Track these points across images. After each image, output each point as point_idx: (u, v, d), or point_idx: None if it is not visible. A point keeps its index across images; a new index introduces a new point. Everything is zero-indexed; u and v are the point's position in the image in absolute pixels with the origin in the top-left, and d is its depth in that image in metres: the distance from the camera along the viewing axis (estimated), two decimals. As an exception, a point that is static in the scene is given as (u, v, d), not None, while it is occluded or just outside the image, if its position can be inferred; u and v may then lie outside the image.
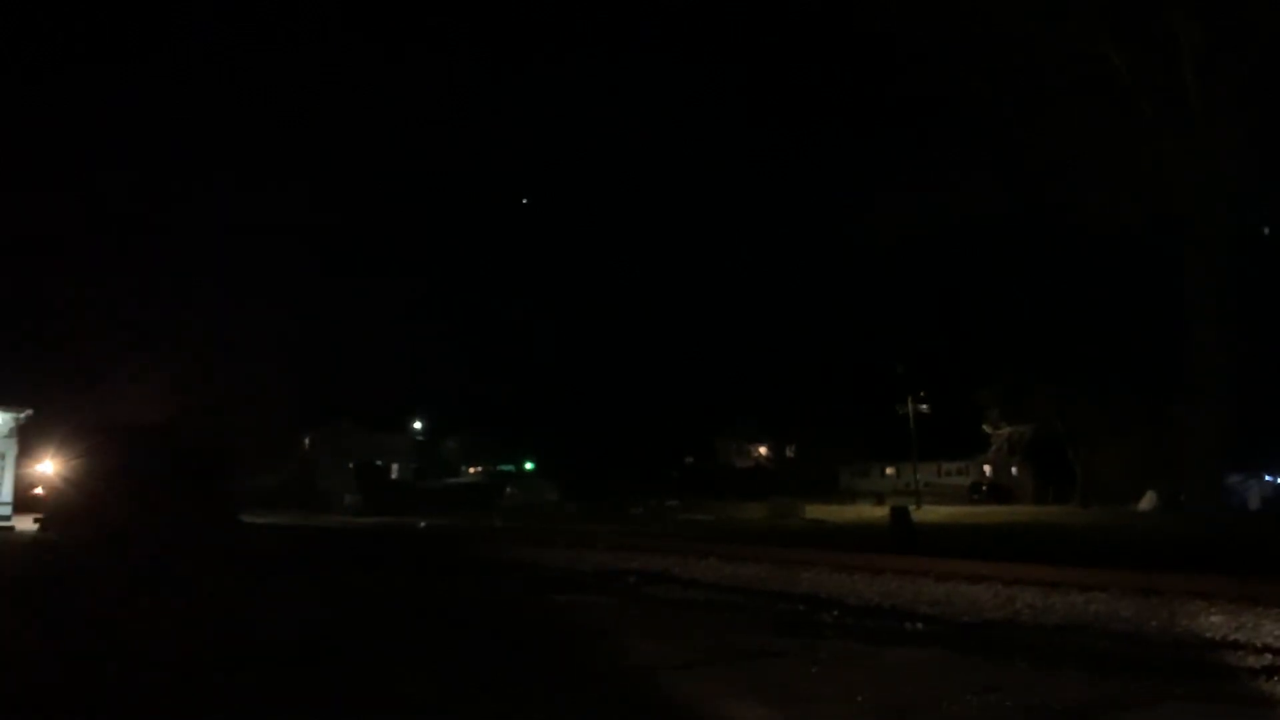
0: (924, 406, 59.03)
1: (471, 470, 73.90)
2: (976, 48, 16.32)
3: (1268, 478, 56.10)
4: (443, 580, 12.41)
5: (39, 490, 34.20)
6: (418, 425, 74.00)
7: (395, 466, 68.05)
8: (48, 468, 32.63)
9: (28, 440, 31.50)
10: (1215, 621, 7.78)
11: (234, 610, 9.64)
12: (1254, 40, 14.78)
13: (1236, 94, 15.15)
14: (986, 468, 63.83)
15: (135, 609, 9.52)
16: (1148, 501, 44.83)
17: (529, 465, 75.44)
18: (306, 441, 65.28)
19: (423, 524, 30.26)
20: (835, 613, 9.19)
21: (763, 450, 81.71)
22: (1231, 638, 7.22)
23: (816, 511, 41.63)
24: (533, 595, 10.67)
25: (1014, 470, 62.06)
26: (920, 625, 8.42)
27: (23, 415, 30.14)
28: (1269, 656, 6.57)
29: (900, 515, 30.66)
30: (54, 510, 27.43)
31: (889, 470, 69.99)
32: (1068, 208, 17.08)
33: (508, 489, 59.90)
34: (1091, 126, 16.41)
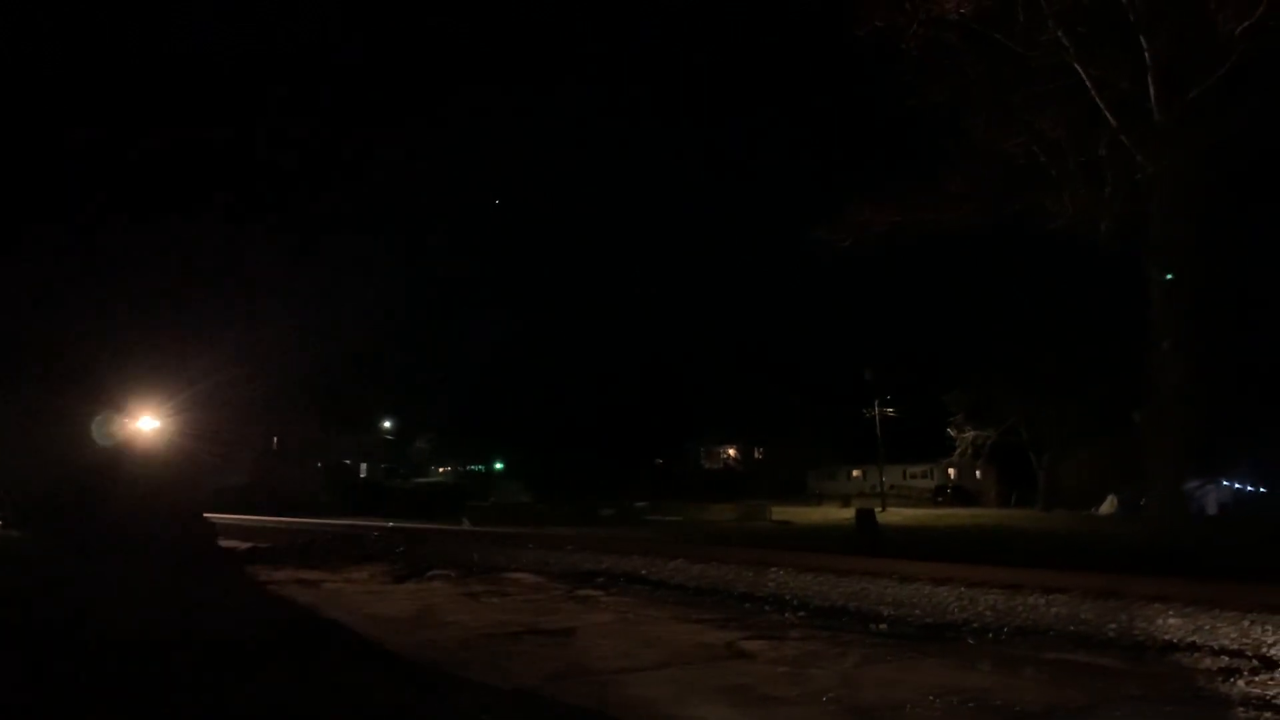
0: (890, 410, 59.58)
1: (441, 471, 73.57)
2: (946, 57, 16.49)
3: (1224, 483, 57.07)
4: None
5: None
6: (387, 425, 73.60)
7: (364, 466, 67.64)
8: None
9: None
10: (1173, 624, 7.92)
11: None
12: (1217, 56, 15.04)
13: (1198, 109, 15.41)
14: (951, 471, 64.49)
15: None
16: (1109, 506, 45.48)
17: (498, 466, 75.24)
18: (275, 440, 64.73)
19: (390, 524, 30.08)
20: (801, 614, 9.27)
21: (732, 452, 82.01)
22: (1189, 640, 7.35)
23: (784, 513, 41.83)
24: (499, 596, 10.66)
25: (978, 474, 62.74)
26: (885, 626, 8.51)
27: None
28: (1225, 658, 6.71)
29: (865, 517, 30.92)
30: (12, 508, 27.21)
31: (855, 473, 70.51)
32: (1035, 217, 17.29)
33: (492, 497, 59.51)
34: (1058, 137, 16.62)
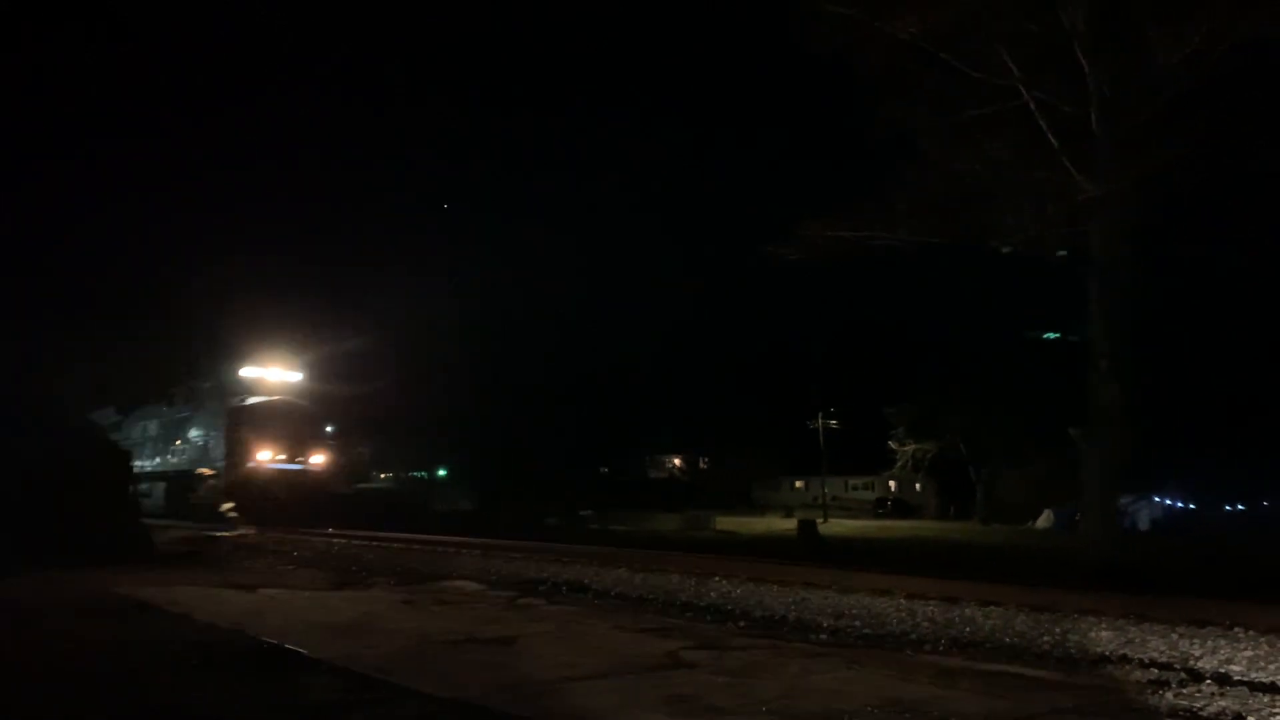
0: (834, 423, 60.21)
1: (383, 476, 72.64)
2: (898, 76, 16.70)
3: (1156, 499, 58.54)
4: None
5: None
6: (328, 429, 72.41)
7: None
8: None
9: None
10: (1105, 636, 8.07)
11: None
12: (1157, 83, 15.44)
13: (1139, 135, 15.79)
14: (892, 483, 65.29)
15: None
16: (1045, 520, 46.38)
17: (441, 473, 74.50)
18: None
19: (329, 529, 29.60)
20: (743, 624, 9.30)
21: (677, 462, 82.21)
22: (1121, 652, 7.51)
23: (728, 523, 42.02)
24: (439, 604, 10.54)
25: (918, 486, 63.61)
26: (825, 637, 8.57)
27: None
28: (1155, 671, 6.86)
29: (808, 528, 31.20)
30: None
31: (799, 484, 71.09)
32: (981, 236, 17.56)
33: (434, 504, 58.80)
34: (1004, 157, 16.92)
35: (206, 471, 30.20)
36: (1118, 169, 15.93)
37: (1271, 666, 6.87)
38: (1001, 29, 16.02)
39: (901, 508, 60.41)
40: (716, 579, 12.14)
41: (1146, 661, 7.18)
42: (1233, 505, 72.93)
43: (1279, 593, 11.54)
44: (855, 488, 68.45)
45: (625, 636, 8.21)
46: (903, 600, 10.24)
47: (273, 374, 31.92)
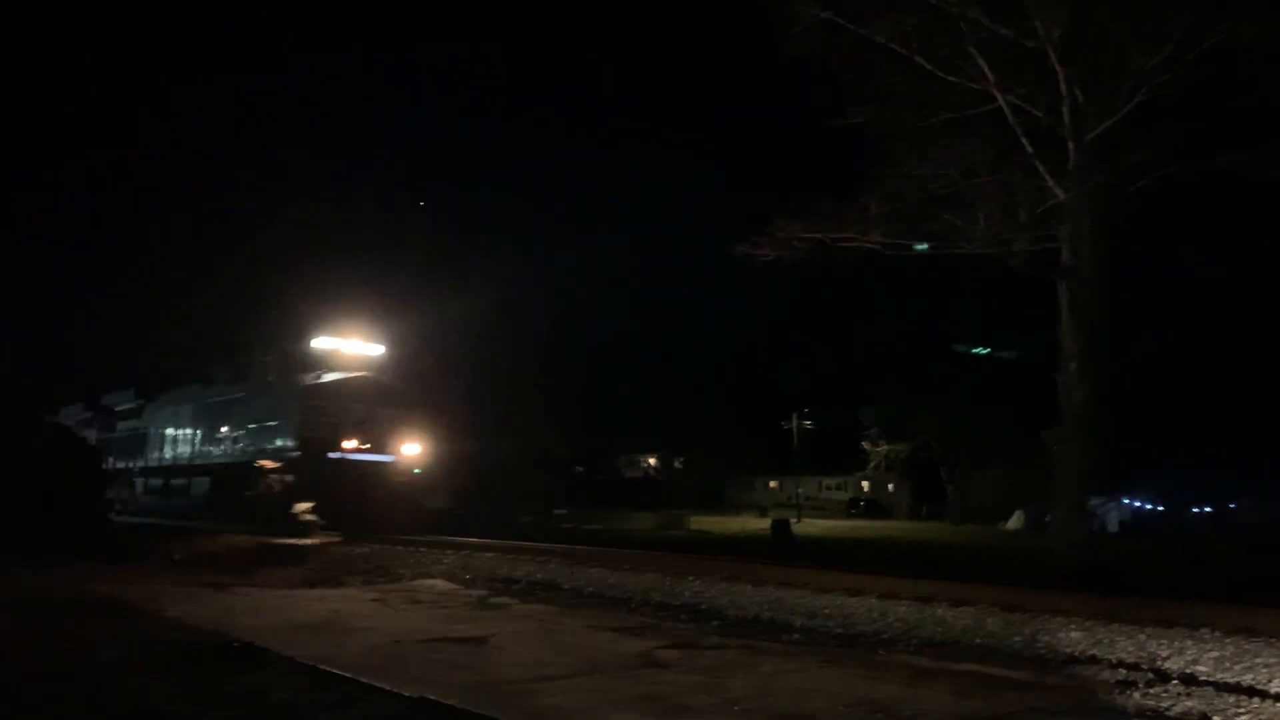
0: (808, 423, 60.42)
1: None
2: (872, 79, 16.77)
3: (1125, 501, 59.20)
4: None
5: None
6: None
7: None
8: None
9: None
10: (1075, 637, 8.15)
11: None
12: (1130, 89, 15.59)
13: (1111, 139, 15.94)
14: (865, 483, 65.62)
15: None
16: (1015, 521, 46.73)
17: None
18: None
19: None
20: (717, 623, 9.32)
21: (652, 461, 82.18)
22: (1090, 653, 7.58)
23: (702, 522, 42.02)
24: (412, 603, 10.50)
25: (890, 487, 63.98)
26: (798, 637, 8.60)
27: None
28: (1123, 671, 6.93)
29: (781, 528, 31.27)
30: None
31: (773, 484, 71.30)
32: (953, 238, 17.67)
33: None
34: (976, 161, 17.04)
35: (268, 464, 24.04)
36: (1089, 173, 16.08)
37: (1236, 667, 6.96)
38: (975, 33, 16.13)
39: (874, 508, 60.69)
40: (690, 578, 12.14)
41: (1115, 662, 7.26)
42: (1200, 508, 73.88)
43: (1244, 594, 11.68)
44: (829, 488, 68.74)
45: (599, 636, 8.21)
46: (875, 600, 10.28)
47: (351, 346, 26.14)
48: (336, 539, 18.99)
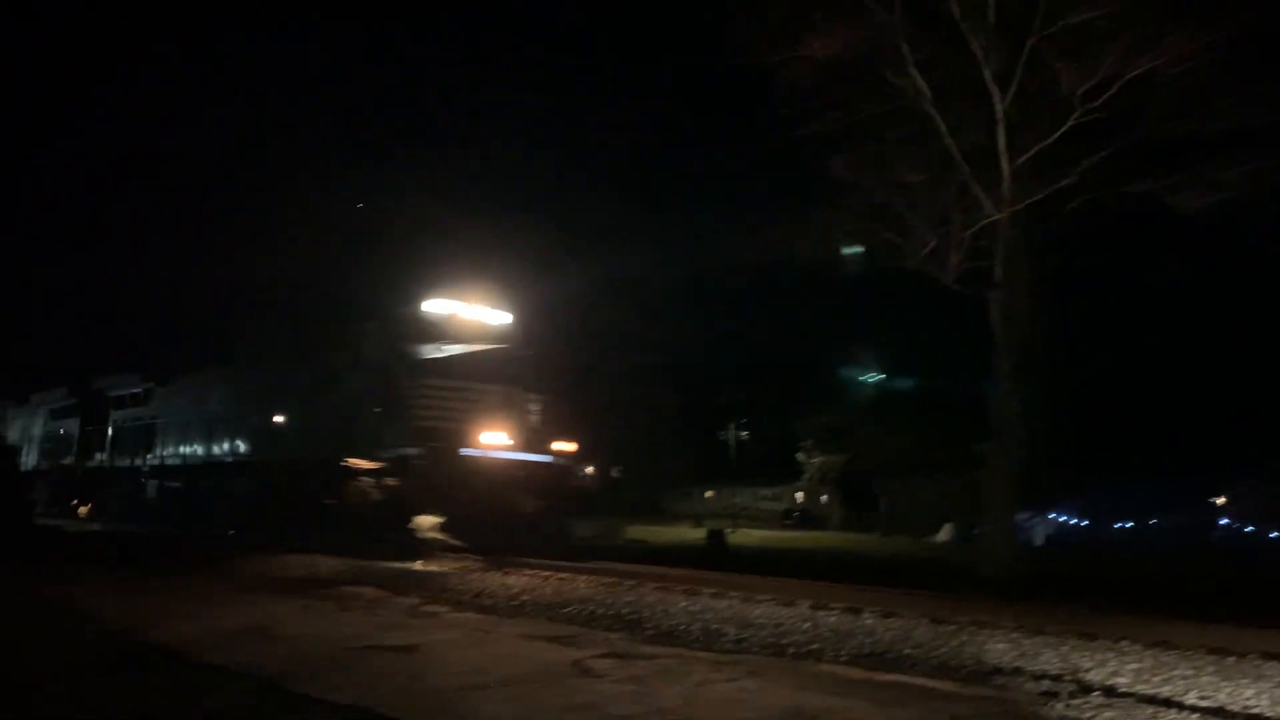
0: (745, 434, 60.88)
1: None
2: (816, 94, 17.00)
3: (1050, 515, 60.53)
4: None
5: None
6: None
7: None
8: None
9: None
10: (1001, 648, 8.29)
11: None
12: (1062, 112, 16.02)
13: (1043, 160, 16.36)
14: (799, 495, 66.19)
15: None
16: (945, 533, 47.53)
17: (587, 472, 72.81)
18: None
19: (231, 533, 28.59)
20: (650, 632, 9.30)
21: (589, 470, 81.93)
22: (1015, 664, 7.71)
23: (639, 532, 41.92)
24: (342, 610, 10.32)
25: (824, 498, 64.62)
26: (730, 646, 8.62)
27: None
28: (1047, 682, 7.07)
29: (716, 537, 31.43)
30: None
31: (709, 494, 71.51)
32: (892, 256, 17.99)
33: None
34: (914, 178, 17.37)
35: (361, 463, 18.17)
36: (1021, 193, 16.49)
37: (1155, 679, 7.14)
38: (915, 55, 16.47)
39: (808, 519, 61.22)
40: (625, 587, 12.13)
41: (1039, 673, 7.39)
42: (1122, 523, 75.86)
43: (1161, 606, 12.02)
44: (765, 498, 69.19)
45: (531, 645, 8.14)
46: (806, 610, 10.37)
47: (474, 312, 19.97)
48: (470, 563, 15.44)
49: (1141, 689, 6.87)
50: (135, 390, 28.08)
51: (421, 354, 18.67)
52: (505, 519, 17.40)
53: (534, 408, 19.33)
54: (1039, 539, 51.33)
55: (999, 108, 16.40)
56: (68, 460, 30.64)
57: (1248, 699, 6.60)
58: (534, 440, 19.09)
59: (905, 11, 16.22)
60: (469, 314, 19.84)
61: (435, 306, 19.48)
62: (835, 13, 16.36)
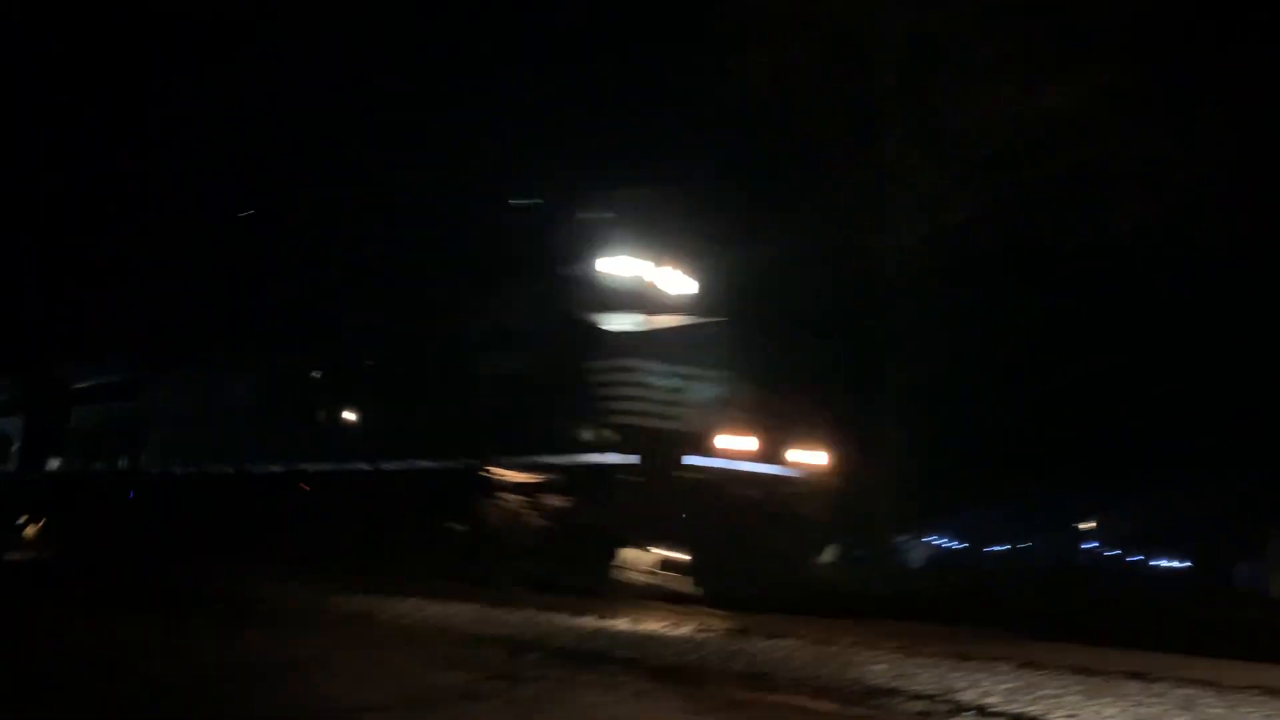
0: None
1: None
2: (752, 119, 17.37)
3: (927, 539, 62.32)
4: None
5: None
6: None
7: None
8: None
9: None
10: (880, 670, 8.50)
11: None
12: (946, 152, 16.68)
13: (928, 198, 16.99)
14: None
15: None
16: (828, 554, 48.49)
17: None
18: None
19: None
20: (538, 655, 9.23)
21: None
22: (893, 685, 7.92)
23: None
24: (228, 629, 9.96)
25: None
26: (618, 668, 8.62)
27: None
28: (923, 703, 7.29)
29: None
30: None
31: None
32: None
33: None
34: (810, 208, 17.82)
35: (509, 474, 14.07)
36: (905, 230, 17.09)
37: (1025, 698, 7.42)
38: (817, 85, 16.93)
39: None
40: (515, 609, 12.02)
41: (915, 694, 7.60)
42: (995, 546, 78.44)
43: (1027, 625, 12.53)
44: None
45: (416, 668, 8.00)
46: (695, 632, 10.44)
47: (659, 275, 14.65)
48: (717, 620, 11.45)
49: (1012, 708, 7.12)
50: (114, 379, 22.61)
51: (612, 325, 13.67)
52: (750, 556, 13.72)
53: (771, 405, 14.11)
54: (918, 561, 52.83)
55: (886, 142, 16.99)
56: (6, 466, 24.69)
57: (1109, 716, 6.92)
58: (769, 448, 14.03)
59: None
60: (654, 278, 14.77)
61: (615, 266, 14.49)
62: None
